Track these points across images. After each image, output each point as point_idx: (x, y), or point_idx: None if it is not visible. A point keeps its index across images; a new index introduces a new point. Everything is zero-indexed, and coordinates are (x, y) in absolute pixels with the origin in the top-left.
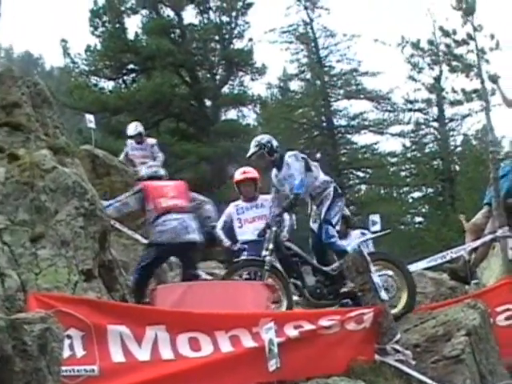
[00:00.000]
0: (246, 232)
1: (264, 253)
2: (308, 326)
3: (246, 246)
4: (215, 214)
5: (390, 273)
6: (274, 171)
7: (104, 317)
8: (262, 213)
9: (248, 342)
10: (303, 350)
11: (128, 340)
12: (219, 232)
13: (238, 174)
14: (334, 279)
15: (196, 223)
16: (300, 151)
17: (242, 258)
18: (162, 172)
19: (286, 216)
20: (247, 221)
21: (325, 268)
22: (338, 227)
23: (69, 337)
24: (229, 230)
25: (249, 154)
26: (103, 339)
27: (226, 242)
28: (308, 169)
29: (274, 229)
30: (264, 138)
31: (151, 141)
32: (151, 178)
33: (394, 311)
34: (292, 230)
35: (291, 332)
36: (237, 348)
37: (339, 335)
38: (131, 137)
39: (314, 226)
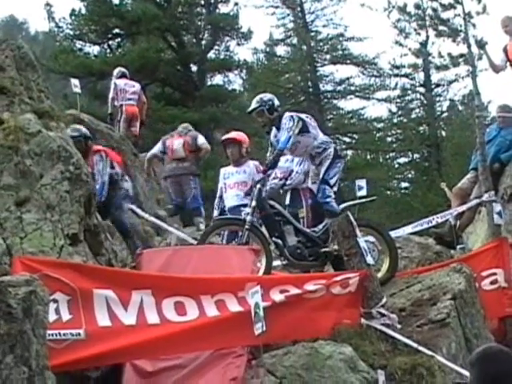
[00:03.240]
0: (227, 197)
1: (247, 210)
2: (294, 291)
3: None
4: None
5: (372, 239)
6: (274, 131)
7: (90, 281)
8: (243, 179)
9: (234, 307)
10: (289, 314)
11: (114, 304)
12: (217, 200)
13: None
14: (315, 241)
15: None
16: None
17: (222, 216)
18: None
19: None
20: (229, 186)
21: (306, 229)
22: (335, 188)
23: (55, 301)
24: None
25: (249, 110)
26: (89, 303)
27: (216, 210)
28: (306, 130)
29: (258, 186)
30: (266, 95)
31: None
32: None
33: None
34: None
35: (277, 296)
36: (222, 312)
37: (325, 299)
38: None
39: (314, 187)
